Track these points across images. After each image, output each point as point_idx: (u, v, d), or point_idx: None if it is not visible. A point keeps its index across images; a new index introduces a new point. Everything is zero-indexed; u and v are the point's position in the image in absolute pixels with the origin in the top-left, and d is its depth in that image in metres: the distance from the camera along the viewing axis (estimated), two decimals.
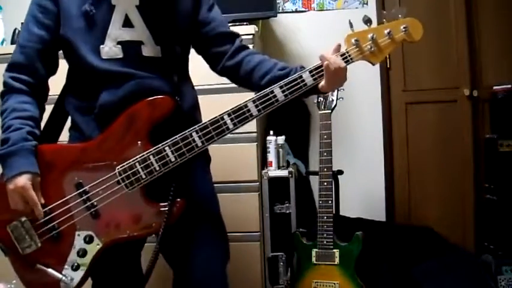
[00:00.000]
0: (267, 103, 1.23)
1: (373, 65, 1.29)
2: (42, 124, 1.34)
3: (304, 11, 2.77)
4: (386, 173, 2.75)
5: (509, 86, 2.42)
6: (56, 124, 1.41)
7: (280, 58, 2.71)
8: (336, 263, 1.95)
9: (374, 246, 2.07)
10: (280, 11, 2.71)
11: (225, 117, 1.22)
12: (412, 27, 1.24)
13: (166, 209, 1.22)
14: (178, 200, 1.24)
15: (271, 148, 2.24)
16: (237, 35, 1.42)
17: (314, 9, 2.76)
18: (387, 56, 1.28)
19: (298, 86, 1.24)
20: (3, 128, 1.23)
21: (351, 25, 1.26)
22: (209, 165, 1.47)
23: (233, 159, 2.05)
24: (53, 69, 1.34)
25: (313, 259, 1.99)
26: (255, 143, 2.11)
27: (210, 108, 1.37)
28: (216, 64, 1.42)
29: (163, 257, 1.38)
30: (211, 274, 1.32)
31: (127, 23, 1.26)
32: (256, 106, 1.23)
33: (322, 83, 1.25)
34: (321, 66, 1.24)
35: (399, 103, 2.75)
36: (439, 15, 2.67)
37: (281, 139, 2.27)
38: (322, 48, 1.27)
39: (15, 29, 2.45)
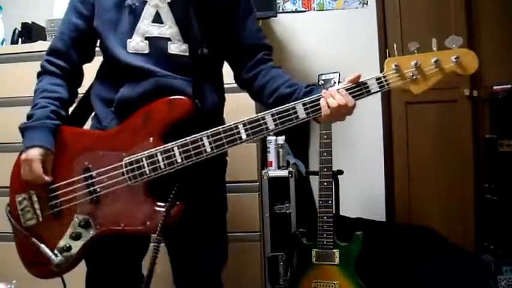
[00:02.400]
0: (286, 118, 1.19)
1: (414, 95, 1.18)
2: (71, 110, 1.40)
3: (304, 11, 2.77)
4: (386, 173, 2.76)
5: (509, 86, 2.42)
6: (83, 111, 1.45)
7: (280, 58, 2.75)
8: (336, 263, 1.95)
9: (374, 246, 2.07)
10: (280, 11, 2.71)
11: (240, 126, 1.20)
12: (466, 58, 1.13)
13: (163, 209, 1.21)
14: (178, 202, 1.23)
15: (271, 148, 2.24)
16: (263, 48, 1.39)
17: (314, 9, 2.76)
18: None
19: (290, 117, 1.19)
20: (32, 106, 1.30)
21: (392, 52, 1.18)
22: (225, 170, 1.48)
23: (233, 159, 2.04)
24: (88, 57, 1.40)
25: (313, 259, 1.99)
26: (255, 143, 2.11)
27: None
28: (236, 74, 1.43)
29: (168, 253, 1.40)
30: (209, 278, 1.37)
31: (157, 19, 1.28)
32: (274, 120, 1.19)
33: (319, 117, 1.20)
34: (318, 99, 1.19)
35: (399, 103, 2.75)
36: (439, 15, 2.67)
37: (281, 139, 2.27)
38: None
39: (15, 29, 2.45)
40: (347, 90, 1.18)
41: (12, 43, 2.43)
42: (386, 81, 1.16)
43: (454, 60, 1.13)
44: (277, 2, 2.68)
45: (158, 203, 1.23)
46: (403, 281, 2.08)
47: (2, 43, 2.49)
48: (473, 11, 2.66)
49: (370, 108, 2.72)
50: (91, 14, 1.32)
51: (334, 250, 1.95)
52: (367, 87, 1.17)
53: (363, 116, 2.71)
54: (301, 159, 2.58)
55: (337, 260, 1.94)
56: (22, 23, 2.45)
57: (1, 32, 2.50)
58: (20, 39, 2.44)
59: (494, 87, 2.50)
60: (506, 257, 2.23)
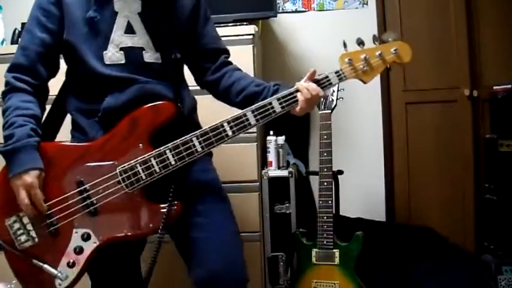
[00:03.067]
0: (264, 113, 1.30)
1: (365, 83, 1.36)
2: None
3: (304, 11, 2.77)
4: (386, 173, 2.75)
5: (509, 86, 2.42)
6: (53, 123, 1.44)
7: (280, 58, 2.75)
8: (336, 263, 1.95)
9: (374, 246, 2.07)
10: (280, 11, 2.71)
11: (225, 124, 1.28)
12: (402, 49, 1.33)
13: (165, 210, 1.24)
14: (176, 202, 1.26)
15: (271, 148, 2.24)
16: (223, 51, 1.48)
17: (314, 9, 2.76)
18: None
19: (268, 112, 1.29)
20: (6, 125, 1.25)
21: (345, 45, 1.36)
22: (211, 159, 1.50)
23: (233, 159, 2.05)
24: (53, 72, 1.38)
25: (313, 259, 1.99)
26: (255, 143, 2.11)
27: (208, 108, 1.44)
28: (198, 77, 1.49)
29: (177, 248, 1.37)
30: (231, 261, 1.30)
31: (129, 30, 1.31)
32: (255, 116, 1.29)
33: (296, 108, 1.31)
34: (290, 94, 1.30)
35: (399, 103, 2.75)
36: (439, 15, 2.67)
37: (281, 139, 2.27)
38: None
39: (15, 29, 2.45)
40: (314, 83, 1.32)
41: (12, 43, 2.43)
42: (343, 73, 1.34)
43: (394, 52, 1.33)
44: (277, 2, 2.67)
45: (158, 205, 1.26)
46: (403, 281, 2.08)
47: (2, 43, 2.49)
48: (473, 11, 2.66)
49: (370, 108, 2.72)
50: (58, 27, 1.30)
51: (334, 250, 1.95)
52: (329, 80, 1.34)
53: (363, 116, 2.72)
54: (301, 159, 2.58)
55: (337, 260, 1.94)
56: (22, 23, 2.44)
57: (1, 32, 2.50)
58: (20, 39, 2.43)
59: (494, 87, 2.50)
60: (506, 257, 2.23)
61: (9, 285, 1.61)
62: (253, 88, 1.38)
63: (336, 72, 1.33)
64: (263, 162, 2.26)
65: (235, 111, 1.31)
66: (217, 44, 1.48)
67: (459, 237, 2.58)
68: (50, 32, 1.30)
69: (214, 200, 1.37)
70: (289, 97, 1.31)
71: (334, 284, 1.94)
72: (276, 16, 2.48)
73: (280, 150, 2.26)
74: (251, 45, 2.09)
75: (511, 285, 2.15)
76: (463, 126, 2.68)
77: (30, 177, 1.20)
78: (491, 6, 2.66)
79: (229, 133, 1.28)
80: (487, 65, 2.66)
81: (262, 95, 1.36)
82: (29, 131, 1.24)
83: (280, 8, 2.73)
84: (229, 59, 1.50)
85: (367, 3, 2.72)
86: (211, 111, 1.44)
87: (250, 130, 2.06)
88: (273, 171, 2.21)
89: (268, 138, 2.24)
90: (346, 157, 2.61)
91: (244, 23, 2.21)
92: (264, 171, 2.20)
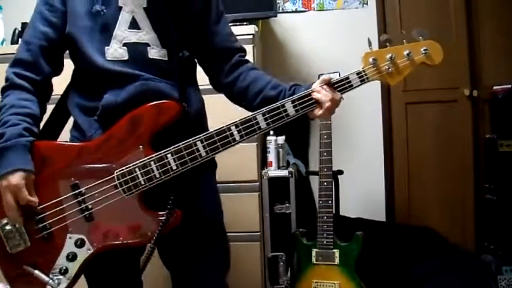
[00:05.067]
0: (277, 117, 1.19)
1: (390, 86, 1.26)
2: (43, 123, 1.32)
3: (304, 11, 2.77)
4: (386, 173, 2.76)
5: (509, 86, 2.42)
6: (56, 123, 1.38)
7: (280, 58, 2.75)
8: (336, 263, 1.95)
9: (374, 246, 2.07)
10: (280, 11, 2.71)
11: (232, 128, 1.18)
12: (433, 49, 1.20)
13: (163, 218, 1.17)
14: (176, 210, 1.19)
15: (271, 148, 2.24)
16: (238, 50, 1.38)
17: (314, 9, 2.76)
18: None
19: (280, 115, 1.19)
20: (0, 124, 1.20)
21: (370, 43, 1.22)
22: (215, 172, 1.43)
23: (233, 159, 2.05)
24: (57, 69, 1.32)
25: (313, 259, 1.99)
26: (255, 143, 2.11)
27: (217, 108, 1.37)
28: (213, 79, 1.40)
29: (164, 263, 1.35)
30: (212, 284, 1.31)
31: (134, 25, 1.24)
32: (266, 119, 1.19)
33: (314, 113, 1.21)
34: (306, 96, 1.20)
35: (399, 103, 2.75)
36: (439, 15, 2.67)
37: (281, 139, 2.27)
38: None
39: (15, 29, 2.45)
40: (332, 85, 1.21)
41: (12, 43, 2.43)
42: (366, 75, 1.20)
43: (424, 52, 1.20)
44: (277, 2, 2.67)
45: (158, 213, 1.19)
46: (403, 281, 2.08)
47: (2, 43, 2.49)
48: (473, 11, 2.66)
49: (370, 108, 2.72)
50: (61, 21, 1.25)
51: (334, 250, 1.95)
52: (349, 81, 1.21)
53: (363, 116, 2.72)
54: (301, 159, 2.58)
55: (337, 260, 1.94)
56: (22, 23, 2.45)
57: (1, 32, 2.50)
58: (20, 39, 2.44)
59: (494, 87, 2.50)
60: (506, 257, 2.23)
61: (8, 285, 1.61)
62: (270, 92, 1.28)
63: (357, 73, 1.20)
64: (263, 162, 2.26)
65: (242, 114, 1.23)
66: (230, 42, 1.37)
67: (459, 237, 2.58)
68: (53, 26, 1.25)
69: (207, 227, 1.32)
70: (305, 100, 1.20)
71: (334, 284, 1.94)
72: (276, 16, 2.48)
73: (280, 150, 2.26)
74: (251, 45, 2.09)
75: (511, 285, 2.15)
76: (463, 126, 2.68)
77: (15, 179, 1.14)
78: (491, 6, 2.67)
79: (237, 137, 1.18)
80: (487, 65, 2.66)
81: (279, 99, 1.24)
82: (21, 131, 1.18)
83: (280, 8, 2.74)
84: (246, 57, 1.39)
85: (367, 3, 2.72)
86: (218, 113, 1.37)
87: None
88: (273, 171, 2.21)
89: (268, 138, 2.24)
90: (346, 157, 2.61)
91: (244, 23, 2.21)
92: (264, 171, 2.20)
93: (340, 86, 1.21)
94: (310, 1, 2.76)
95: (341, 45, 2.71)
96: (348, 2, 2.73)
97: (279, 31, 2.78)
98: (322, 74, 2.09)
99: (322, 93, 1.19)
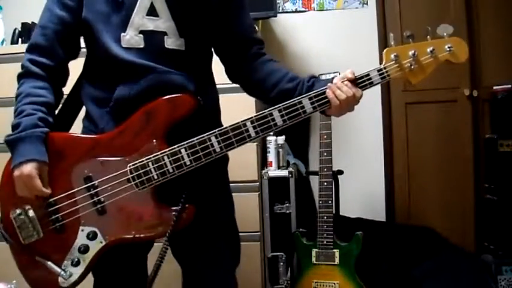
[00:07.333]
0: (294, 113, 1.18)
1: (412, 84, 1.20)
2: (56, 112, 1.31)
3: (304, 11, 2.77)
4: (386, 173, 2.76)
5: (509, 86, 2.42)
6: (69, 113, 1.36)
7: (280, 58, 2.75)
8: (336, 263, 1.95)
9: (374, 246, 2.07)
10: (280, 11, 2.71)
11: (248, 124, 1.17)
12: (458, 47, 1.16)
13: (176, 213, 1.17)
14: (188, 205, 1.19)
15: (271, 148, 2.24)
16: (256, 42, 1.35)
17: (314, 9, 2.76)
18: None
19: (297, 112, 1.18)
20: (16, 113, 1.21)
21: (392, 39, 1.18)
22: (227, 167, 1.42)
23: (233, 159, 2.04)
24: (73, 53, 1.30)
25: (313, 259, 1.99)
26: (255, 143, 2.11)
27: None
28: (229, 70, 1.39)
29: (174, 257, 1.35)
30: (221, 278, 1.33)
31: (152, 12, 1.21)
32: (282, 116, 1.17)
33: (331, 110, 1.20)
34: (324, 93, 1.18)
35: (399, 103, 2.76)
36: (439, 15, 2.67)
37: (281, 139, 2.27)
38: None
39: (15, 29, 2.45)
40: (352, 82, 1.18)
41: (12, 43, 2.44)
42: (386, 72, 1.17)
43: (448, 49, 1.16)
44: (277, 2, 2.68)
45: (171, 208, 1.18)
46: (403, 281, 2.08)
47: (2, 43, 2.49)
48: (474, 11, 2.67)
49: (370, 108, 2.72)
50: (77, 5, 1.23)
51: (334, 250, 1.95)
52: (370, 78, 1.18)
53: (363, 116, 2.71)
54: (301, 159, 2.58)
55: (337, 260, 1.94)
56: (22, 23, 2.45)
57: (1, 32, 2.50)
58: (20, 39, 2.44)
59: (494, 87, 2.50)
60: (506, 257, 2.23)
61: (9, 285, 1.61)
62: (286, 85, 1.26)
63: (378, 70, 1.17)
64: (263, 162, 2.26)
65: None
66: (249, 33, 1.35)
67: (459, 237, 2.58)
68: (69, 10, 1.23)
69: (220, 225, 1.34)
70: (323, 96, 1.18)
71: (334, 284, 1.94)
72: (276, 16, 2.48)
73: (280, 150, 2.26)
74: None
75: (511, 285, 2.15)
76: (463, 126, 2.68)
77: (28, 168, 1.14)
78: (491, 6, 2.67)
79: (252, 134, 1.16)
80: (487, 65, 2.66)
81: (296, 93, 1.23)
82: (36, 121, 1.18)
83: (280, 8, 2.74)
84: (264, 50, 1.36)
85: (367, 3, 2.72)
86: (231, 110, 1.35)
87: None
88: (273, 171, 2.21)
89: (268, 138, 2.24)
90: (346, 157, 2.62)
91: None
92: (264, 171, 2.20)
93: (361, 82, 1.19)
94: (310, 1, 2.76)
95: (341, 45, 2.71)
96: (348, 2, 2.73)
97: (279, 31, 2.78)
98: (322, 74, 2.10)
99: (343, 90, 1.17)
